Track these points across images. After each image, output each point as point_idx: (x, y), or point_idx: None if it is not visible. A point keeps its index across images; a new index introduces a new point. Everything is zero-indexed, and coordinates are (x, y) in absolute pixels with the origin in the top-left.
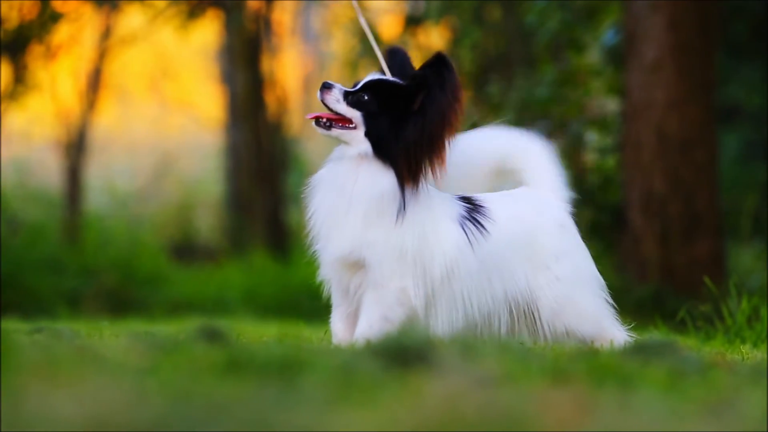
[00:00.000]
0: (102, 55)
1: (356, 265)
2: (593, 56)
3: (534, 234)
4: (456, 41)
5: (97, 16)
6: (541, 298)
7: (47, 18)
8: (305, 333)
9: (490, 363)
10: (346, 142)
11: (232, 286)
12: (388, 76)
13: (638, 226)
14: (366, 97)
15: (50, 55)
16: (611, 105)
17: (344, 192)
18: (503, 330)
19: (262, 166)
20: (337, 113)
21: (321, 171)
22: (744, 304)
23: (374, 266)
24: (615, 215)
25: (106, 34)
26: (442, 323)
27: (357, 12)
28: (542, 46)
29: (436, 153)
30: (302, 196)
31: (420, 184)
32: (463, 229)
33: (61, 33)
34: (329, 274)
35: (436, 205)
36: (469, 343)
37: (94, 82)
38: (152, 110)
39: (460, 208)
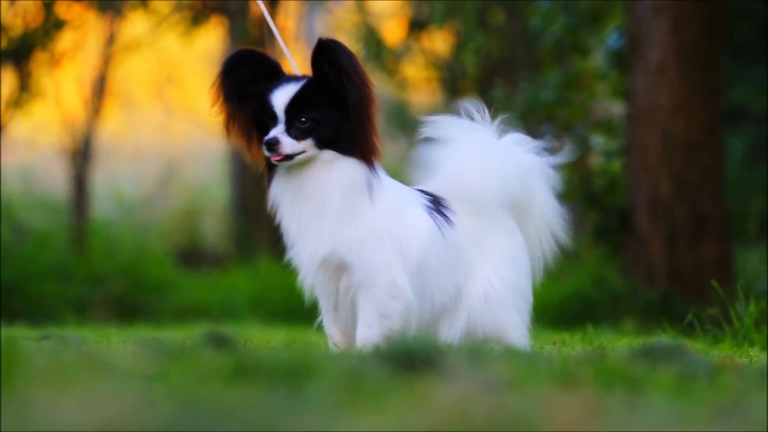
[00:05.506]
0: (106, 61)
1: (339, 269)
2: (598, 59)
3: (489, 234)
4: (460, 45)
5: (101, 22)
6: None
7: (51, 25)
8: (313, 338)
9: (497, 367)
10: (308, 161)
11: (238, 291)
12: (295, 80)
13: (644, 230)
14: (303, 120)
15: (55, 62)
16: (616, 108)
17: (312, 194)
18: (456, 332)
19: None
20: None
21: (279, 182)
22: (752, 307)
23: (357, 266)
24: (621, 219)
25: (111, 40)
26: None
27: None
28: (546, 49)
29: (375, 127)
30: (269, 208)
31: (377, 164)
32: (432, 218)
33: (65, 40)
34: (310, 278)
35: (403, 193)
36: (477, 348)
37: (99, 88)
38: (157, 116)
39: (423, 198)
